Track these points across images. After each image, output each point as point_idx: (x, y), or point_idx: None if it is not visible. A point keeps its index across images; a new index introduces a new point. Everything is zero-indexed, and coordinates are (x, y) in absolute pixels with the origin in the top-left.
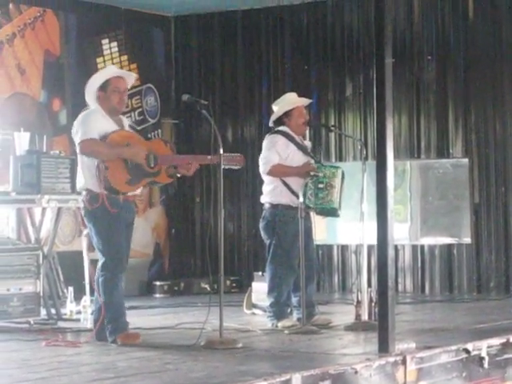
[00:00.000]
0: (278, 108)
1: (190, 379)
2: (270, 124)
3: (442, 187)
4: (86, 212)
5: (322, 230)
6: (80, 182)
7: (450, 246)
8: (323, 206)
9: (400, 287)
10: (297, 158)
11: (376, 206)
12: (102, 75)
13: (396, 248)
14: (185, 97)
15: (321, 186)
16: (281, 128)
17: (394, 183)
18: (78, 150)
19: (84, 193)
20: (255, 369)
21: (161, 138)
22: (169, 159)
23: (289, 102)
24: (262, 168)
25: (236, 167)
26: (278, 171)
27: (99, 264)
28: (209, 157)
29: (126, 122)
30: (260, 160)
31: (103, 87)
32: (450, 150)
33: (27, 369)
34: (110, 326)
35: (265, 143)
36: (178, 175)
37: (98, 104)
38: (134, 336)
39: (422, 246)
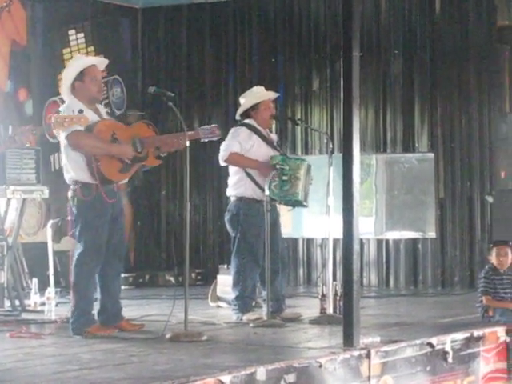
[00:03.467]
0: (244, 101)
1: (154, 371)
2: (237, 117)
3: (407, 181)
4: (79, 202)
5: (288, 224)
6: (68, 173)
7: (414, 241)
8: (287, 198)
9: (365, 281)
10: (261, 151)
11: (342, 200)
12: (77, 65)
13: (361, 242)
14: (151, 89)
15: (285, 178)
16: (246, 121)
17: (360, 177)
18: (64, 143)
19: (73, 185)
20: (220, 362)
21: (143, 121)
22: (154, 141)
23: (256, 95)
24: (221, 155)
25: (215, 138)
26: (235, 160)
27: (77, 254)
28: (189, 132)
29: (103, 110)
30: (220, 148)
31: (79, 78)
32: (416, 145)
33: None
34: (82, 318)
35: (228, 134)
36: (163, 155)
37: (73, 96)
38: (106, 328)
39: (387, 241)
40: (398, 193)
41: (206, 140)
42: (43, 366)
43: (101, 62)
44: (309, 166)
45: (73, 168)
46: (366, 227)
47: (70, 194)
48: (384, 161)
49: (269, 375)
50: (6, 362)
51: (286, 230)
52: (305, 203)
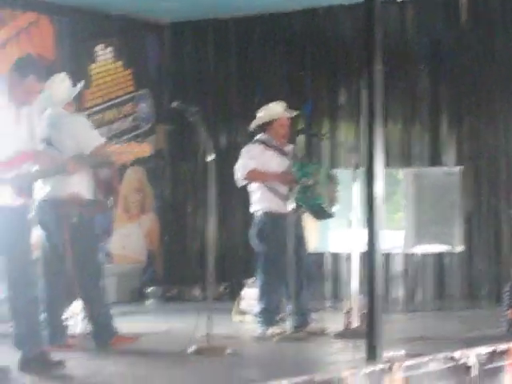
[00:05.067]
0: (259, 116)
1: None
2: (251, 129)
3: (434, 195)
4: None
5: (314, 238)
6: None
7: (441, 255)
8: (311, 202)
9: (392, 295)
10: (274, 164)
11: (365, 214)
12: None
13: (388, 256)
14: (175, 104)
15: (306, 184)
16: (258, 137)
17: (388, 191)
18: None
19: None
20: (242, 375)
21: None
22: None
23: (271, 112)
24: (238, 175)
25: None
26: (255, 176)
27: None
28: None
29: None
30: (235, 170)
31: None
32: (443, 159)
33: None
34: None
35: (241, 154)
36: None
37: None
38: (128, 339)
39: (414, 255)
40: (425, 207)
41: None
42: (65, 380)
43: None
44: (329, 173)
45: None
46: (396, 241)
47: None
48: (412, 174)
49: None
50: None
51: (313, 244)
52: (328, 210)
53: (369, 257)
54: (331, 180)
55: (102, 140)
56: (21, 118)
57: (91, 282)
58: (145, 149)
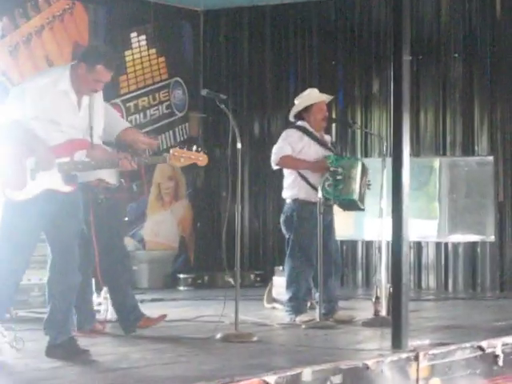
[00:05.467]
0: (298, 102)
1: (200, 371)
2: (291, 118)
3: (467, 185)
4: None
5: (350, 226)
6: None
7: (473, 244)
8: (342, 196)
9: (423, 284)
10: (312, 152)
11: (391, 203)
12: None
13: (420, 245)
14: (204, 91)
15: (339, 177)
16: (299, 123)
17: (422, 181)
18: None
19: None
20: (267, 362)
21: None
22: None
23: (309, 97)
24: (272, 158)
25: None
26: (287, 162)
27: None
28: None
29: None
30: (272, 152)
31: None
32: (476, 148)
33: (42, 358)
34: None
35: (280, 137)
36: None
37: None
38: (154, 320)
39: (446, 244)
40: (457, 196)
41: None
42: (92, 365)
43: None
44: (364, 167)
45: None
46: (430, 230)
47: None
48: (446, 164)
49: (315, 376)
50: (55, 360)
51: (348, 232)
52: (360, 204)
53: (395, 245)
54: (364, 174)
55: (127, 124)
56: (81, 107)
57: (115, 266)
58: (202, 158)
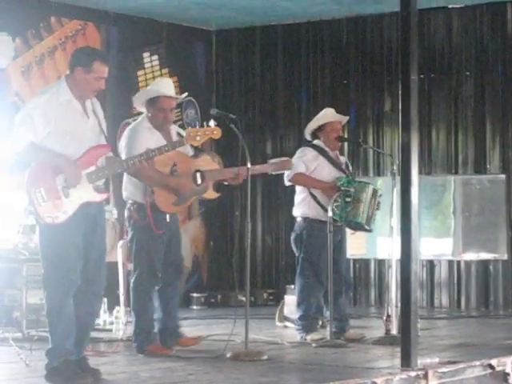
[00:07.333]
0: (313, 122)
1: None
2: (307, 137)
3: (479, 203)
4: (131, 222)
5: (362, 245)
6: (126, 191)
7: (486, 262)
8: (348, 219)
9: (436, 302)
10: (325, 172)
11: (400, 221)
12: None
13: (432, 263)
14: (213, 111)
15: (348, 199)
16: (315, 142)
17: (435, 199)
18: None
19: (130, 202)
20: (277, 381)
21: (208, 153)
22: (216, 175)
23: (324, 116)
24: (286, 173)
25: (286, 172)
26: (300, 180)
27: (133, 277)
28: (257, 166)
29: (175, 130)
30: None
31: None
32: (488, 166)
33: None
34: (142, 337)
35: (295, 155)
36: (226, 183)
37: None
38: (166, 348)
39: (459, 262)
40: (470, 214)
41: (278, 173)
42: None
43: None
44: (375, 191)
45: (130, 186)
46: (444, 248)
47: (126, 213)
48: (458, 182)
49: None
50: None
51: (361, 251)
52: (367, 227)
53: (404, 264)
54: (374, 197)
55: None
56: (88, 112)
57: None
58: (216, 132)
